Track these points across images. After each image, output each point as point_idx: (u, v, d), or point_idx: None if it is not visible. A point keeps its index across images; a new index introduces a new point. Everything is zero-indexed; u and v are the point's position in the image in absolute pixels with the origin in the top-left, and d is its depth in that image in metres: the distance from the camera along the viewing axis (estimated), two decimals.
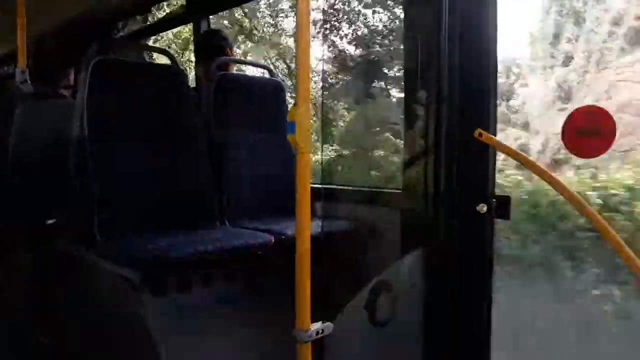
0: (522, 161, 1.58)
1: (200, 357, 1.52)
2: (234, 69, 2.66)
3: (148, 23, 3.58)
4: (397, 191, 1.83)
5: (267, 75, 2.58)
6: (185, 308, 1.59)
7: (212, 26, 3.20)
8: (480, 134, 1.62)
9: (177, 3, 3.56)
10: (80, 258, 1.78)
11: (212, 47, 2.56)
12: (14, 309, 2.16)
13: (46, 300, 1.93)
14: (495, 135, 1.66)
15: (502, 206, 1.63)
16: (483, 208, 1.62)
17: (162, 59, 2.66)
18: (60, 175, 1.90)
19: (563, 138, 1.55)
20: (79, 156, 1.79)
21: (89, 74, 1.82)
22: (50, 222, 1.97)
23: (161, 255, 1.48)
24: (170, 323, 1.53)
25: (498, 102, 1.72)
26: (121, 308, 1.61)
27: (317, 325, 1.29)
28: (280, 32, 7.61)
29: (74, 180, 1.82)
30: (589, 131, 1.46)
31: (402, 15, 1.82)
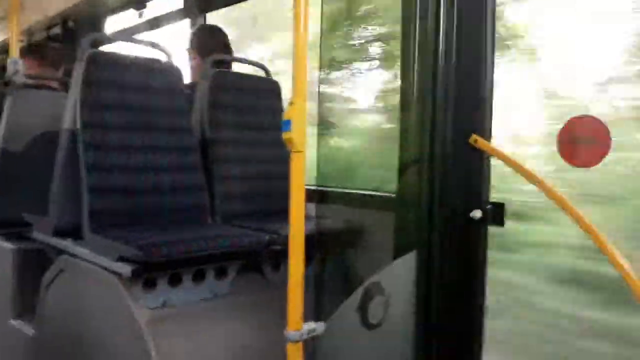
0: (518, 169, 1.58)
1: (188, 353, 1.50)
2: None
3: (143, 19, 3.55)
4: (391, 195, 1.82)
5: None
6: (175, 303, 1.58)
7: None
8: (475, 140, 1.62)
9: None
10: (68, 251, 1.75)
11: (206, 44, 2.53)
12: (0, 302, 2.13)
13: (32, 293, 1.90)
14: (490, 141, 1.66)
15: (497, 212, 1.63)
16: (477, 214, 1.62)
17: None
18: (48, 166, 1.87)
19: (558, 147, 1.56)
20: (70, 147, 1.77)
21: (83, 65, 1.80)
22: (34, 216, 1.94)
23: (153, 250, 1.46)
24: (159, 318, 1.51)
25: None
26: (110, 302, 1.58)
27: (309, 325, 1.28)
28: None
29: (63, 171, 1.79)
30: (583, 140, 1.47)
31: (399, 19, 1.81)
